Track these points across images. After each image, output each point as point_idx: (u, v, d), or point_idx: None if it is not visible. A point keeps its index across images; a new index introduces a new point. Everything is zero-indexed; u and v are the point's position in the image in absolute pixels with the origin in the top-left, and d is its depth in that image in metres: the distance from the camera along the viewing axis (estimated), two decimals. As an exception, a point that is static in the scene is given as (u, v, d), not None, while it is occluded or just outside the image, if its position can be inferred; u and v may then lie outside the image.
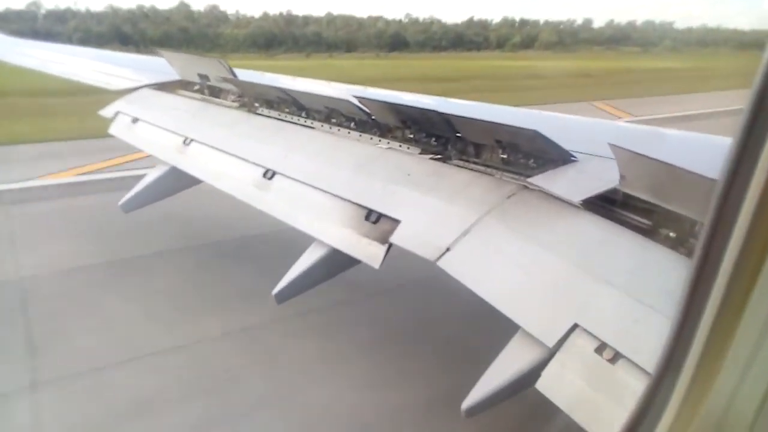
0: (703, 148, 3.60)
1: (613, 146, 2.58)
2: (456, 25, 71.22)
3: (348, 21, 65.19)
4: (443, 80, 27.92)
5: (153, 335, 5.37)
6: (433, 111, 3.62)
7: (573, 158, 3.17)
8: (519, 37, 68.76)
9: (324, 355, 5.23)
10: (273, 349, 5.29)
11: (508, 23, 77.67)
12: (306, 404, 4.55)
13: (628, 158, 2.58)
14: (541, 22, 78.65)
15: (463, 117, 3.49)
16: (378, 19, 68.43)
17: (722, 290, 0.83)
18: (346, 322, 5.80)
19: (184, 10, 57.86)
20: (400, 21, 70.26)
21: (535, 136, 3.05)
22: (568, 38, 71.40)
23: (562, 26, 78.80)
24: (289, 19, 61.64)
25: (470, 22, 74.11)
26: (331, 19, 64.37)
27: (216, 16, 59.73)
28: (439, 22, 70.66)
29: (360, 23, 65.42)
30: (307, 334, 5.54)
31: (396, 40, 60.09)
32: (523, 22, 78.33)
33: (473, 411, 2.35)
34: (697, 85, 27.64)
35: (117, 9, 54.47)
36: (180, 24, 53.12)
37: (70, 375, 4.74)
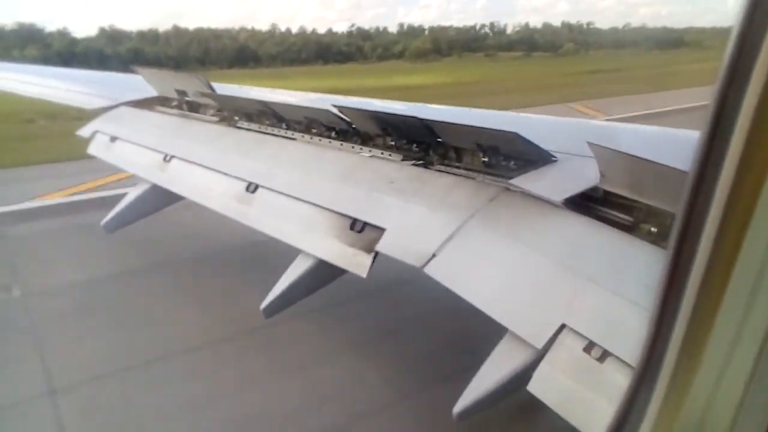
0: (680, 144, 3.65)
1: (592, 145, 2.61)
2: (328, 35, 68.61)
3: (180, 34, 59.60)
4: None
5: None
6: (414, 117, 3.64)
7: (553, 158, 3.19)
8: (401, 46, 67.19)
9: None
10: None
11: (402, 32, 75.53)
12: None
13: (607, 156, 2.61)
14: (428, 28, 77.24)
15: (443, 122, 3.51)
16: (228, 31, 64.17)
17: (698, 284, 0.84)
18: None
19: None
20: (257, 32, 66.29)
21: (515, 138, 3.07)
22: (446, 45, 69.54)
23: (453, 32, 76.90)
24: (113, 35, 55.34)
25: (350, 32, 71.90)
26: (154, 35, 58.65)
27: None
28: (304, 33, 68.17)
29: (198, 36, 59.81)
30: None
31: (243, 54, 56.32)
32: (418, 30, 76.33)
33: (464, 414, 2.35)
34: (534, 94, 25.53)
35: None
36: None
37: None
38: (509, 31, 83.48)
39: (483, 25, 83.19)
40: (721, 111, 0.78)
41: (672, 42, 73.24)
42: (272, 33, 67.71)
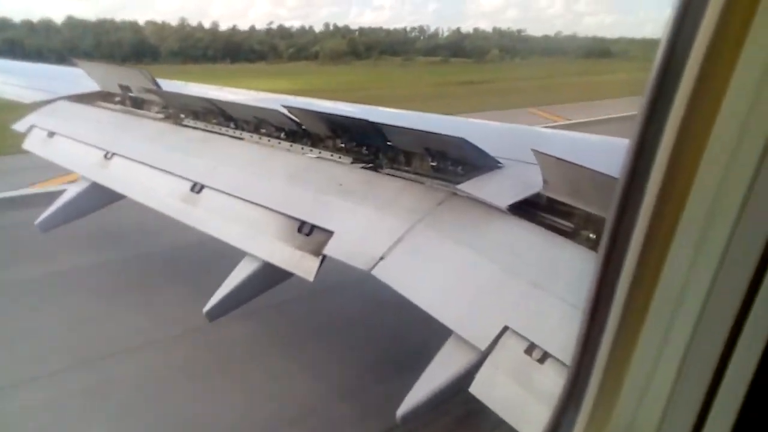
0: (620, 151, 3.78)
1: (536, 152, 2.67)
2: (245, 33, 66.99)
3: (75, 25, 55.98)
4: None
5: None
6: (364, 120, 3.63)
7: (499, 165, 3.25)
8: (318, 47, 66.78)
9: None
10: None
11: (327, 31, 74.20)
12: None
13: (550, 163, 2.67)
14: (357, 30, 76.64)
15: (393, 125, 3.52)
16: (133, 24, 60.56)
17: (627, 287, 0.87)
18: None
19: None
20: (165, 25, 62.93)
21: (462, 144, 3.11)
22: (363, 48, 69.53)
23: (383, 34, 77.18)
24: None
25: (269, 30, 70.62)
26: (45, 24, 54.07)
27: None
28: (215, 29, 66.22)
29: (98, 28, 56.09)
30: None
31: (140, 48, 53.89)
32: (346, 30, 75.45)
33: (408, 417, 2.35)
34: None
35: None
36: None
37: None
38: (443, 35, 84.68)
39: (413, 29, 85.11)
40: (649, 118, 0.81)
41: (598, 52, 76.33)
42: (181, 27, 64.95)
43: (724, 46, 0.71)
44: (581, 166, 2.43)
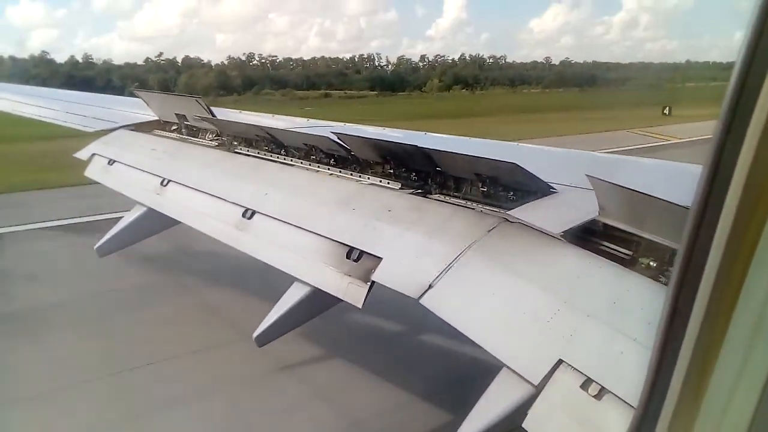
0: (676, 176, 3.64)
1: (591, 177, 2.59)
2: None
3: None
4: None
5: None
6: (413, 146, 3.63)
7: (552, 190, 3.18)
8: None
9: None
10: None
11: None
12: None
13: (605, 189, 2.59)
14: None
15: (443, 151, 3.50)
16: None
17: (699, 324, 0.81)
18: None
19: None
20: None
21: (514, 169, 3.05)
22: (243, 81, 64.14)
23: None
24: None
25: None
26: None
27: None
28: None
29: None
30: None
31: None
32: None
33: None
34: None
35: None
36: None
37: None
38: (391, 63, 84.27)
39: (361, 57, 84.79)
40: (723, 147, 0.76)
41: (569, 81, 75.31)
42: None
43: None
44: (639, 192, 2.34)
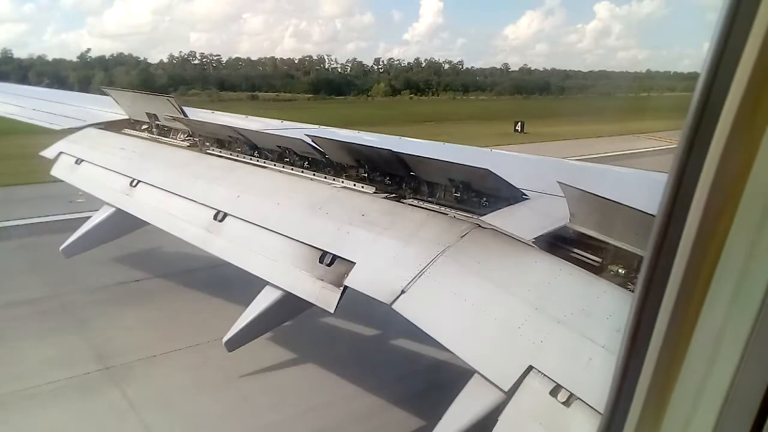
0: (648, 184, 3.71)
1: (562, 184, 2.62)
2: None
3: None
4: None
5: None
6: (387, 150, 3.62)
7: (524, 196, 3.20)
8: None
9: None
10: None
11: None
12: None
13: (577, 196, 2.62)
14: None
15: (417, 156, 3.50)
16: None
17: (665, 325, 0.82)
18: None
19: None
20: None
21: (487, 175, 3.07)
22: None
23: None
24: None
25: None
26: None
27: None
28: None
29: None
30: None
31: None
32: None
33: None
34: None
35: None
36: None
37: None
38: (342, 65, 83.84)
39: (310, 59, 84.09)
40: (688, 156, 0.77)
41: (523, 88, 76.09)
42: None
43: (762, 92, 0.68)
44: (610, 200, 2.37)
